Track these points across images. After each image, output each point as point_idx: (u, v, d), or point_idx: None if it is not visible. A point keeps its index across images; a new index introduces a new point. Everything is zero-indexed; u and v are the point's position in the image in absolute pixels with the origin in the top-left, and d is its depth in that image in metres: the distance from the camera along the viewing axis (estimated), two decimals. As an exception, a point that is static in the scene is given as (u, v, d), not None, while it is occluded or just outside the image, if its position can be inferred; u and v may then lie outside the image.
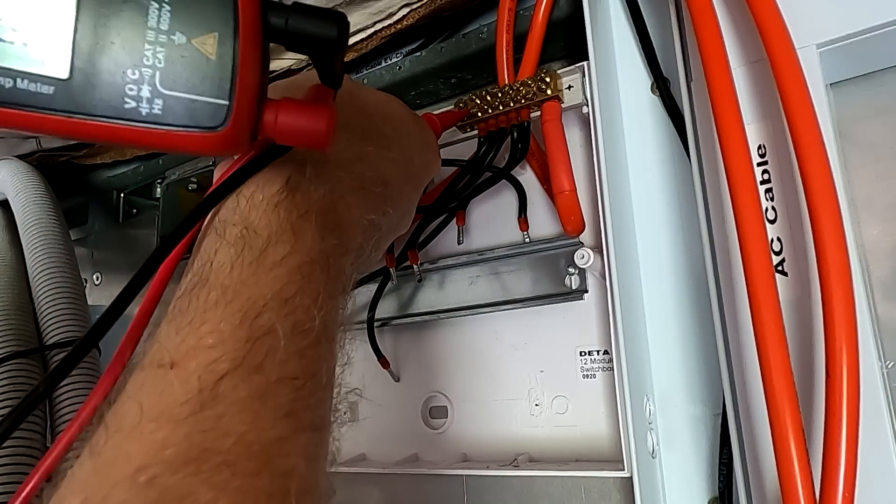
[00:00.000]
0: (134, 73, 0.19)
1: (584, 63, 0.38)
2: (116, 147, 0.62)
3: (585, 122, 0.39)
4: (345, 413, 0.25)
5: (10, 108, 0.18)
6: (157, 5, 0.19)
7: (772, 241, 0.30)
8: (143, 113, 0.19)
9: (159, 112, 0.19)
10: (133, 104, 0.19)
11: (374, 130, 0.29)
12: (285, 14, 0.20)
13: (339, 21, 0.20)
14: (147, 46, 0.19)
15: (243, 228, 0.22)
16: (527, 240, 0.43)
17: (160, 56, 0.19)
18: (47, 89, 0.18)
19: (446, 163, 0.40)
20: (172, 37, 0.19)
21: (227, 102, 0.19)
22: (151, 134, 0.19)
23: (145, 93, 0.19)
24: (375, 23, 0.47)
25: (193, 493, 0.17)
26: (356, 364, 0.49)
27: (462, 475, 0.40)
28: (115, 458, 0.18)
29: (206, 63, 0.19)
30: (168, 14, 0.19)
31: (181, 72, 0.19)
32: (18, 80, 0.18)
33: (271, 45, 0.21)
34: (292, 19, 0.20)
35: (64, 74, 0.18)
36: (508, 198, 0.44)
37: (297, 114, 0.21)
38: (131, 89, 0.19)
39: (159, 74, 0.19)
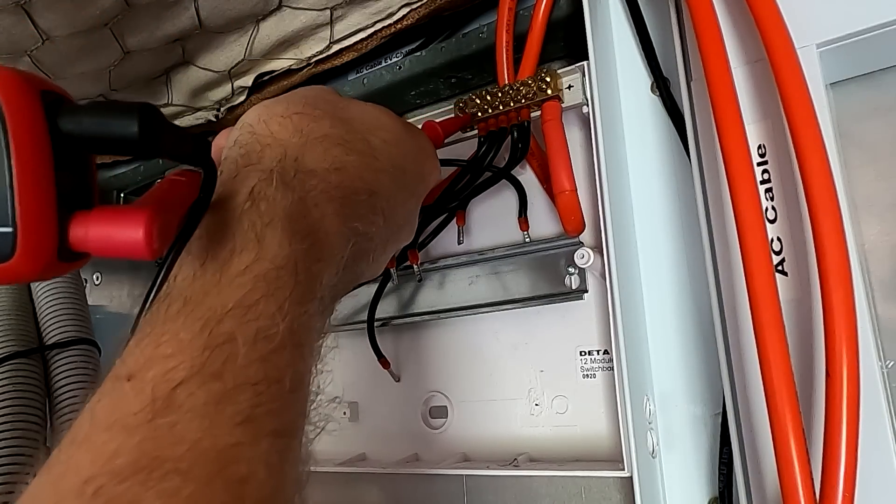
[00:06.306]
0: None
1: (584, 63, 0.38)
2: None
3: (585, 122, 0.39)
4: (322, 420, 0.24)
5: None
6: None
7: (772, 241, 0.30)
8: None
9: None
10: None
11: (356, 141, 0.29)
12: (78, 116, 0.18)
13: (141, 112, 0.18)
14: None
15: (207, 241, 0.22)
16: (527, 240, 0.43)
17: None
18: None
19: (446, 163, 0.40)
20: None
21: (9, 230, 0.17)
22: None
23: None
24: (375, 22, 0.46)
25: (139, 501, 0.17)
26: (355, 364, 0.49)
27: (462, 475, 0.40)
28: (65, 470, 0.18)
29: None
30: None
31: None
32: None
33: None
34: (86, 122, 0.18)
35: None
36: (508, 198, 0.44)
37: (109, 224, 0.19)
38: None
39: None
